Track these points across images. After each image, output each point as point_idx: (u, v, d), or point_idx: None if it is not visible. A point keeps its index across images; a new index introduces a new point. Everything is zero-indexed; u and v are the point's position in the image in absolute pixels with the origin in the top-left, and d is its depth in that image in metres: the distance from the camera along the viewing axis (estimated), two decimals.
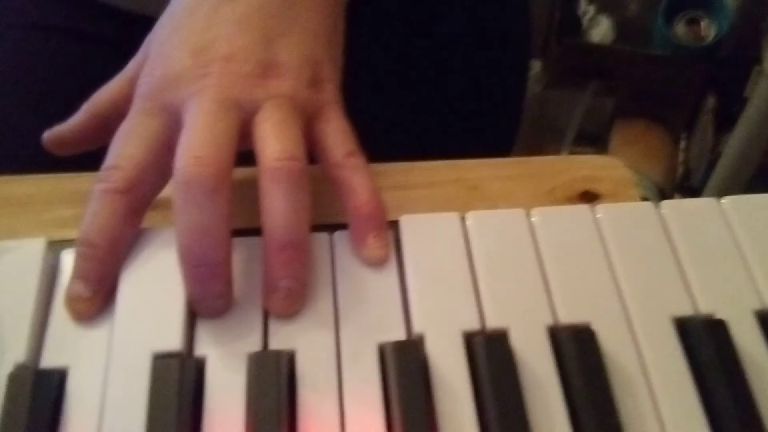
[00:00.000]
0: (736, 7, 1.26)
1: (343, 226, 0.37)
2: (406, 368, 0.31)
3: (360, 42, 0.43)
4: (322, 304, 0.34)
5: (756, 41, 1.13)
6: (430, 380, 0.32)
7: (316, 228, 0.36)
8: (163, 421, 0.30)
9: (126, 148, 0.35)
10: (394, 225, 0.37)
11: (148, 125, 0.35)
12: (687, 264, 0.36)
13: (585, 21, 1.33)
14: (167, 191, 0.36)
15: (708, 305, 0.35)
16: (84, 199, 0.35)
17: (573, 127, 1.42)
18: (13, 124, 0.58)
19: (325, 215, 0.37)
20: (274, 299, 0.33)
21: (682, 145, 1.41)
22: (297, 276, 0.33)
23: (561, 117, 1.42)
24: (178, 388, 0.31)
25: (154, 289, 0.34)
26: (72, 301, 0.34)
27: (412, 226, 0.37)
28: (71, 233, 0.36)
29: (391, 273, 0.35)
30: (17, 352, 0.32)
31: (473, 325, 0.34)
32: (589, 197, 0.42)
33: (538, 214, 0.37)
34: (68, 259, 0.35)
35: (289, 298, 0.33)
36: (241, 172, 0.34)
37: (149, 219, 0.36)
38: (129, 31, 0.47)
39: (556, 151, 1.42)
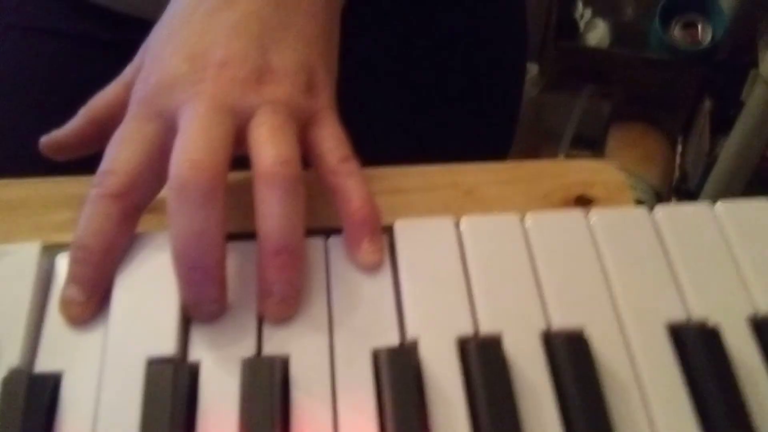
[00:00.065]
0: (732, 10, 1.27)
1: (337, 231, 0.37)
2: (399, 375, 0.31)
3: (357, 43, 0.43)
4: (317, 309, 0.34)
5: (752, 45, 1.13)
6: (423, 385, 0.32)
7: (311, 232, 0.36)
8: (157, 426, 0.30)
9: (121, 153, 0.35)
10: (389, 230, 0.37)
11: (144, 130, 0.35)
12: (680, 269, 0.36)
13: (582, 24, 1.34)
14: (163, 194, 0.36)
15: (701, 311, 0.35)
16: (80, 203, 0.35)
17: (570, 130, 1.42)
18: (10, 126, 0.58)
19: (320, 219, 0.37)
20: (268, 304, 0.33)
21: (679, 148, 1.41)
22: (291, 281, 0.33)
23: (558, 120, 1.42)
24: (172, 392, 0.31)
25: (149, 294, 0.34)
26: (66, 306, 0.34)
27: (407, 231, 0.37)
28: (67, 237, 0.36)
29: (385, 278, 0.36)
30: (12, 357, 0.32)
31: (467, 330, 0.34)
32: (583, 201, 0.42)
33: (532, 219, 0.37)
34: (63, 264, 0.36)
35: (283, 303, 0.33)
36: (236, 176, 0.34)
37: (144, 222, 0.36)
38: (127, 34, 0.47)
39: (553, 154, 1.43)
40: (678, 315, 0.35)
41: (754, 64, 1.11)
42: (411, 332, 0.34)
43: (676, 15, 1.29)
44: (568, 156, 1.41)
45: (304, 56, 0.37)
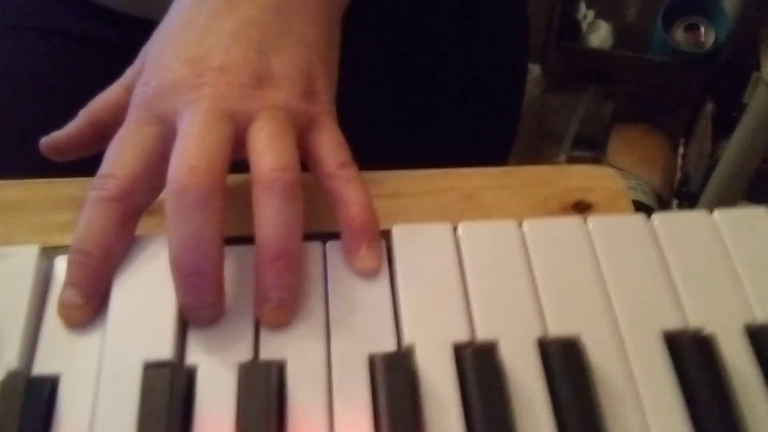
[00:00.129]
0: (735, 13, 1.27)
1: (335, 235, 0.37)
2: (395, 380, 0.32)
3: (356, 45, 0.43)
4: (314, 314, 0.35)
5: (755, 48, 1.13)
6: (419, 391, 0.32)
7: (309, 236, 0.36)
8: (154, 430, 0.30)
9: (120, 157, 0.35)
10: (387, 234, 0.37)
11: (143, 134, 0.35)
12: (677, 277, 0.36)
13: (584, 26, 1.34)
14: (162, 196, 0.36)
15: (698, 319, 0.35)
16: (80, 204, 0.35)
17: (571, 131, 1.42)
18: (10, 126, 0.58)
19: (318, 223, 0.37)
20: (265, 309, 0.34)
21: (681, 150, 1.41)
22: (289, 286, 0.34)
23: (559, 121, 1.42)
24: (168, 397, 0.31)
25: (146, 298, 0.34)
26: (65, 308, 0.34)
27: (404, 237, 0.37)
28: (67, 238, 0.36)
29: (382, 283, 0.36)
30: (9, 359, 0.33)
31: (463, 336, 0.34)
32: (582, 207, 0.42)
33: (529, 226, 0.37)
34: (62, 266, 0.36)
35: (280, 308, 0.33)
36: (234, 179, 0.35)
37: (143, 224, 0.37)
38: (128, 34, 0.47)
39: (555, 155, 1.43)
40: (674, 323, 0.35)
41: (757, 66, 1.11)
42: (407, 338, 0.34)
43: (679, 17, 1.29)
44: (570, 157, 1.41)
45: (304, 62, 0.37)
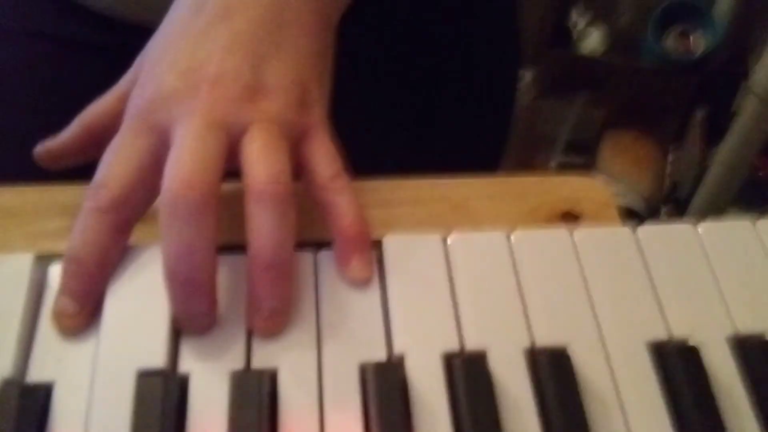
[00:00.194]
0: (725, 22, 1.28)
1: (328, 244, 0.37)
2: (386, 389, 0.32)
3: (356, 46, 0.43)
4: (305, 323, 0.35)
5: (745, 56, 1.14)
6: (409, 399, 0.33)
7: (301, 245, 0.37)
8: None
9: (114, 167, 0.35)
10: (378, 244, 0.38)
11: (137, 145, 0.35)
12: (663, 288, 0.37)
13: (576, 32, 1.34)
14: (156, 205, 0.36)
15: (682, 330, 0.36)
16: (73, 211, 0.36)
17: (562, 136, 1.43)
18: (4, 130, 0.58)
19: (311, 232, 0.38)
20: (258, 319, 0.34)
21: (671, 157, 1.42)
22: (281, 296, 0.34)
23: (551, 127, 1.43)
24: (161, 405, 0.31)
25: (140, 306, 0.35)
26: (59, 317, 0.34)
27: (395, 247, 0.37)
28: (60, 245, 0.36)
29: (373, 293, 0.36)
30: (4, 367, 0.33)
31: (453, 345, 0.35)
32: (570, 217, 0.42)
33: (518, 237, 0.38)
34: (55, 274, 0.36)
35: (272, 318, 0.34)
36: (226, 188, 0.35)
37: (136, 231, 0.37)
38: (122, 39, 0.47)
39: (546, 160, 1.43)
40: (659, 333, 0.36)
41: (746, 75, 1.12)
42: (398, 347, 0.34)
43: (671, 25, 1.30)
44: (561, 162, 1.42)
45: (297, 73, 0.37)
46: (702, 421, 0.33)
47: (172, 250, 0.32)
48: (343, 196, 0.36)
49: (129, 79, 0.40)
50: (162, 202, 0.33)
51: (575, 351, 0.34)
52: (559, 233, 0.38)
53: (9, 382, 0.32)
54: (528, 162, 1.43)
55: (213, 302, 0.34)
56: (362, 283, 0.36)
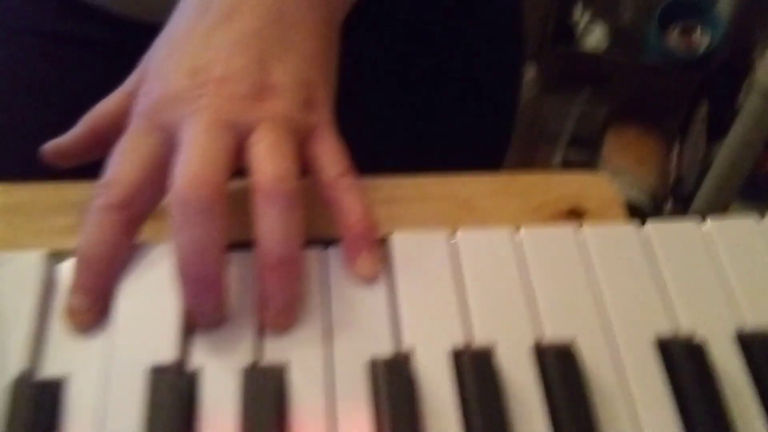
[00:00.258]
0: (729, 17, 1.27)
1: (336, 241, 0.38)
2: (395, 385, 0.32)
3: (356, 46, 0.44)
4: (315, 319, 0.35)
5: (748, 52, 1.14)
6: (417, 395, 0.33)
7: (310, 242, 0.37)
8: None
9: (122, 166, 0.35)
10: (384, 241, 0.38)
11: (145, 144, 0.36)
12: (669, 285, 0.37)
13: (579, 28, 1.34)
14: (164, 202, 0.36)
15: (689, 326, 0.36)
16: (82, 209, 0.36)
17: (566, 132, 1.43)
18: (11, 129, 0.58)
19: (319, 229, 0.38)
20: (267, 315, 0.34)
21: (675, 151, 1.42)
22: (290, 292, 0.34)
23: (555, 122, 1.43)
24: (173, 400, 0.32)
25: (151, 302, 0.35)
26: (71, 314, 0.35)
27: (403, 244, 0.38)
28: (69, 242, 0.37)
29: (381, 289, 0.36)
30: (16, 363, 0.33)
31: (461, 342, 0.35)
32: (576, 214, 0.42)
33: (525, 234, 0.38)
34: (66, 271, 0.36)
35: (281, 314, 0.34)
36: (234, 185, 0.35)
37: (145, 228, 0.37)
38: (126, 37, 0.47)
39: (550, 156, 1.43)
40: (666, 329, 0.36)
41: (750, 70, 1.11)
42: (406, 343, 0.35)
43: (674, 21, 1.29)
44: (565, 158, 1.42)
45: (303, 72, 0.37)
46: (708, 416, 0.33)
47: (182, 248, 0.33)
48: (350, 194, 0.36)
49: (134, 80, 0.40)
50: (171, 200, 0.33)
51: (582, 347, 0.35)
52: (565, 230, 0.39)
53: (22, 379, 0.33)
54: (531, 158, 1.43)
55: (223, 298, 0.34)
56: (370, 279, 0.36)
